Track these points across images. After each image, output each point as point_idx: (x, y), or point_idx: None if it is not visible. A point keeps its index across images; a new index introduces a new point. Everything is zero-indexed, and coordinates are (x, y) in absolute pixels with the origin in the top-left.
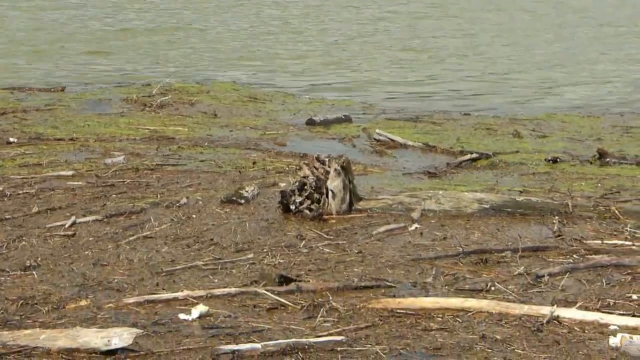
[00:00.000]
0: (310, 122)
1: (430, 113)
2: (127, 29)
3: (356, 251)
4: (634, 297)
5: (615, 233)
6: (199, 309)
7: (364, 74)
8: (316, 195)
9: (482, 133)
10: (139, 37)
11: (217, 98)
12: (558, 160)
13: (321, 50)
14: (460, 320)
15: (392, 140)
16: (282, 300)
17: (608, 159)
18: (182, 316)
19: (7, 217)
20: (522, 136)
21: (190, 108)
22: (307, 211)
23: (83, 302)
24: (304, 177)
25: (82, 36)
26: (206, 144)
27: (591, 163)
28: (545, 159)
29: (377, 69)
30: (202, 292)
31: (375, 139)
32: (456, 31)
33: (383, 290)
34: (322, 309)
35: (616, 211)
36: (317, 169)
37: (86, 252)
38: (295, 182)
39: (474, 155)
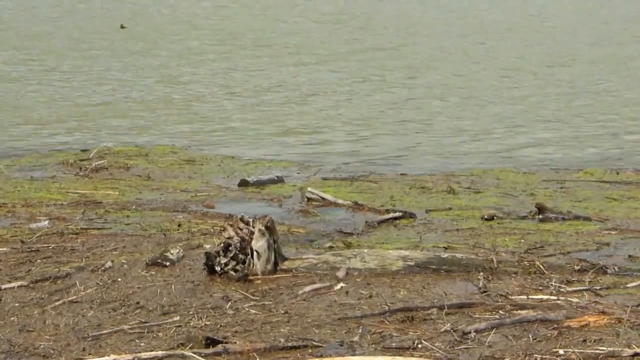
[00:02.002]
0: (243, 184)
1: (367, 172)
2: (68, 97)
3: (282, 311)
4: (561, 352)
5: (540, 288)
6: None
7: (303, 134)
8: (241, 256)
9: (417, 191)
10: (79, 103)
11: (153, 161)
12: (495, 217)
13: (261, 113)
14: None
15: (323, 198)
16: None
17: (546, 214)
18: None
19: None
20: (456, 192)
21: (124, 172)
22: (232, 272)
23: None
24: (229, 238)
25: (22, 105)
26: (133, 207)
27: (529, 219)
28: (481, 217)
29: (317, 129)
30: (129, 356)
31: (307, 198)
32: (395, 88)
33: (310, 350)
34: None
35: (541, 266)
36: (241, 229)
37: (12, 318)
38: (220, 244)
39: (397, 214)
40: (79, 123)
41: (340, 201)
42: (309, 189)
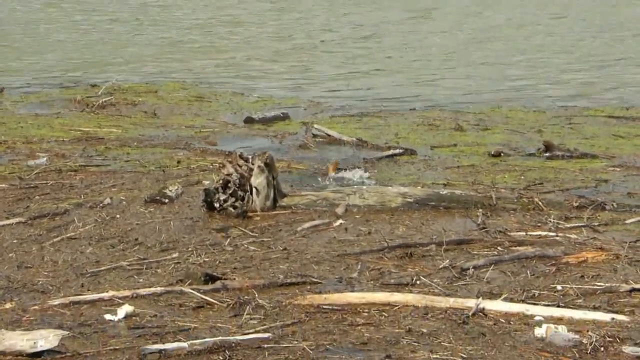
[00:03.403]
0: (249, 120)
1: (377, 109)
2: (82, 29)
3: (281, 248)
4: (559, 287)
5: (539, 224)
6: (125, 309)
7: (315, 72)
8: (240, 193)
9: (424, 128)
10: (94, 37)
11: (162, 98)
12: (502, 154)
13: (274, 50)
14: (386, 315)
15: (328, 135)
16: (208, 298)
17: (554, 152)
18: (107, 317)
19: None
20: (464, 130)
21: (131, 108)
22: (231, 209)
23: (8, 305)
24: (228, 174)
25: (30, 37)
26: (135, 144)
27: (536, 156)
28: (489, 153)
29: (328, 66)
30: (127, 292)
31: (313, 134)
32: (406, 27)
33: (309, 287)
34: (248, 307)
35: (539, 202)
36: (240, 166)
37: (10, 255)
38: (219, 180)
39: (397, 151)
40: (91, 61)
41: (345, 138)
42: (315, 125)
